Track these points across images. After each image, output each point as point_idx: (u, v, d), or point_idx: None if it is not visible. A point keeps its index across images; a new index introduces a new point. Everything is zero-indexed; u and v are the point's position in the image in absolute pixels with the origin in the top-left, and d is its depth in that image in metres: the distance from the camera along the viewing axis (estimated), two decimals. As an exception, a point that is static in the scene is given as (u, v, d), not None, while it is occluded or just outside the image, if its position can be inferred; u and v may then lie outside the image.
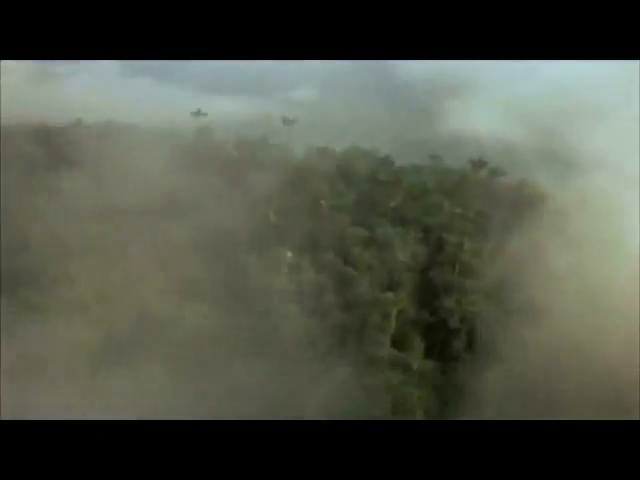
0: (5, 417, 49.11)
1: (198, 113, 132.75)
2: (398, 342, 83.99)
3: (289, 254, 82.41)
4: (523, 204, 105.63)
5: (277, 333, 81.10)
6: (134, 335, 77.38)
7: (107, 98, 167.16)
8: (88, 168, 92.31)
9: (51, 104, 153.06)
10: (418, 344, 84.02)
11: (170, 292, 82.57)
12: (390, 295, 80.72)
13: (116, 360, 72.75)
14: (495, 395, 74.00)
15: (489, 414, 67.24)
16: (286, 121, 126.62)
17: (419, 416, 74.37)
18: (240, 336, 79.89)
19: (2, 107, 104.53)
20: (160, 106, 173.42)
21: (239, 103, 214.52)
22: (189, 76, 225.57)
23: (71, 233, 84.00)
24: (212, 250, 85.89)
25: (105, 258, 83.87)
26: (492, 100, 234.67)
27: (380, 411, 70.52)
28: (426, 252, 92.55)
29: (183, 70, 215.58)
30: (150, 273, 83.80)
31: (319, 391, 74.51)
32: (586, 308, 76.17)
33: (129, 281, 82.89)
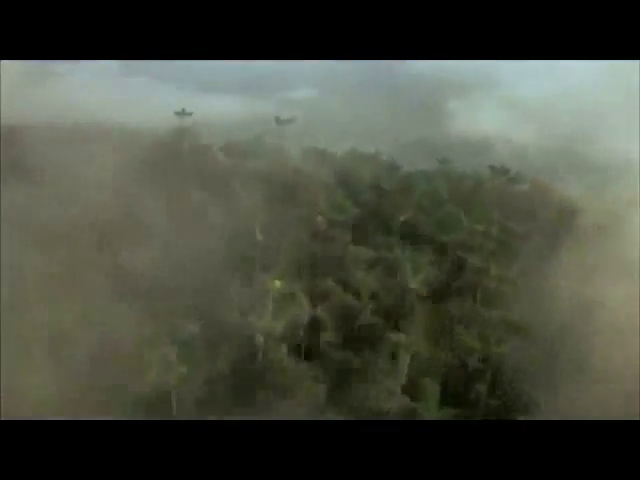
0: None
1: (182, 113, 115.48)
2: (409, 388, 67.00)
3: (277, 283, 65.35)
4: (553, 216, 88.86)
5: (263, 379, 64.26)
6: (91, 383, 60.40)
7: (84, 97, 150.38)
8: (40, 177, 75.15)
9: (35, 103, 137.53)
10: (434, 391, 66.84)
11: (134, 331, 65.50)
12: (402, 337, 63.55)
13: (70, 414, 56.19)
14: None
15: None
16: (279, 121, 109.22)
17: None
18: (218, 385, 63.20)
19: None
20: (149, 106, 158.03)
21: (232, 103, 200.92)
22: (185, 75, 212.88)
23: (15, 256, 67.13)
24: (185, 277, 69.12)
25: (58, 286, 66.97)
26: (501, 99, 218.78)
27: None
28: (442, 276, 75.53)
29: (180, 69, 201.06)
30: (111, 306, 66.79)
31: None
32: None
33: (86, 316, 65.80)
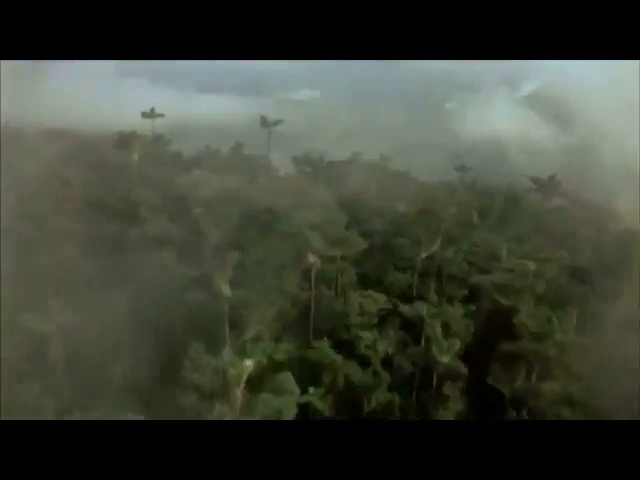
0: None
1: (151, 114, 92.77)
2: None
3: (249, 363, 42.50)
4: (612, 242, 65.85)
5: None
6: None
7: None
8: None
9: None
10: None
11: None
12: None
13: None
14: None
15: None
16: (266, 123, 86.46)
17: None
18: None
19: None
20: (139, 107, 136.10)
21: (230, 103, 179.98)
22: (183, 76, 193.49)
23: None
24: (122, 345, 46.49)
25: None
26: (513, 98, 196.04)
27: None
28: (479, 333, 52.62)
29: (177, 70, 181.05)
30: (11, 386, 43.95)
31: None
32: None
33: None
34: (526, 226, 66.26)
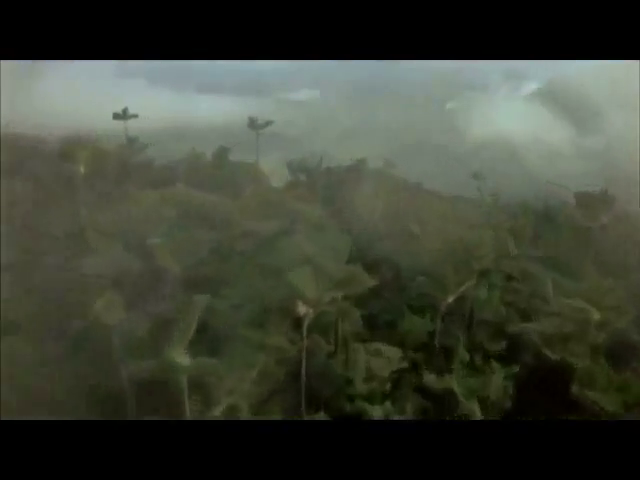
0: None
1: (124, 115, 79.49)
2: None
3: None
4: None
5: None
6: None
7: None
8: None
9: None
10: None
11: None
12: None
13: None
14: None
15: None
16: (255, 124, 73.39)
17: None
18: None
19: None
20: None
21: (229, 104, 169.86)
22: (182, 76, 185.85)
23: None
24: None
25: None
26: (520, 97, 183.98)
27: None
28: (521, 398, 39.30)
29: (176, 70, 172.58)
30: None
31: None
32: None
33: None
34: (569, 251, 52.96)
